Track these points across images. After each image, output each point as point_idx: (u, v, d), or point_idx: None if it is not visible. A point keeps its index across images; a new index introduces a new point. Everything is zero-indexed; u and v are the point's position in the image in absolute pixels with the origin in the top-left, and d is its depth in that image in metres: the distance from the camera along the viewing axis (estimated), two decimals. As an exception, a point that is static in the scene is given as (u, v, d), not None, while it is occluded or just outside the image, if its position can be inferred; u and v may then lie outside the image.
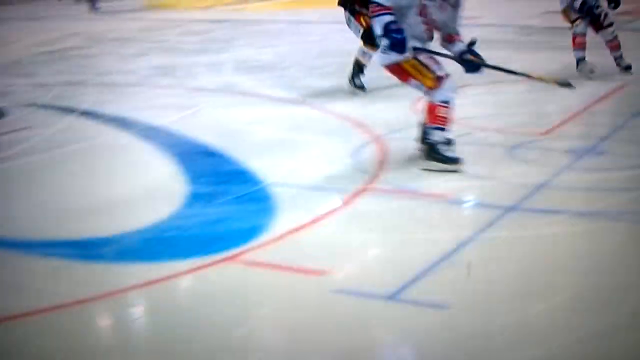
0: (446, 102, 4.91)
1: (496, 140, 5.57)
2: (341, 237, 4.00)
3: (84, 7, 17.28)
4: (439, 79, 4.85)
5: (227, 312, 3.24)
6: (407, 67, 4.91)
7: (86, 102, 7.45)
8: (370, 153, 5.34)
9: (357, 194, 4.55)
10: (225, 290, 3.44)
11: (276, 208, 4.39)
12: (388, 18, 4.68)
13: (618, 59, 7.61)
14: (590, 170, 4.85)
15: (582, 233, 3.94)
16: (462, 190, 4.63)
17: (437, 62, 4.95)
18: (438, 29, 5.04)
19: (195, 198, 4.61)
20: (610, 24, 7.53)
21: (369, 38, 6.81)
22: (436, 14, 4.94)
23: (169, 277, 3.53)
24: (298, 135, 5.96)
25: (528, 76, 5.43)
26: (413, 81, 4.95)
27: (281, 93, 7.53)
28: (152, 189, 4.84)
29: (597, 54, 7.82)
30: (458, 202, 4.49)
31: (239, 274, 3.59)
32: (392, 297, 3.25)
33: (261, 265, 3.64)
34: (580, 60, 7.68)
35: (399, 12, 4.74)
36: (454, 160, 4.88)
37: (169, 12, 16.27)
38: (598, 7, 7.50)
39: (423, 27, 4.91)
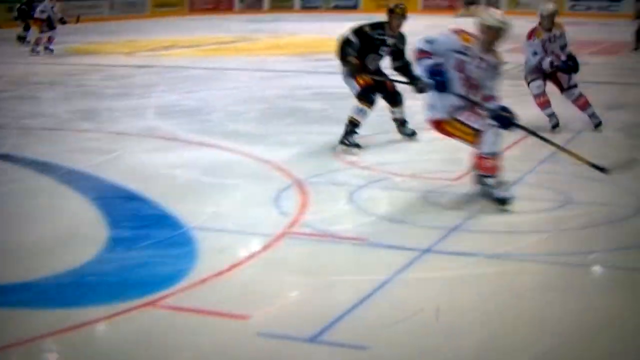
0: (491, 153, 5.01)
1: (411, 186, 5.72)
2: (262, 280, 4.00)
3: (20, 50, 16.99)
4: (479, 133, 4.99)
5: (146, 358, 3.17)
6: (447, 127, 5.18)
7: (5, 145, 7.25)
8: (291, 197, 5.38)
9: (277, 238, 4.57)
10: (145, 335, 3.38)
11: (197, 252, 4.35)
12: (430, 61, 5.01)
13: (591, 117, 7.72)
14: (500, 214, 5.01)
15: (493, 274, 4.07)
16: (379, 233, 4.70)
17: (477, 116, 5.06)
18: (476, 86, 5.13)
19: (115, 243, 4.53)
20: (575, 85, 7.72)
21: (366, 96, 6.85)
22: (474, 72, 5.07)
23: (86, 323, 3.44)
24: (220, 180, 5.96)
25: (563, 149, 5.35)
26: (456, 139, 5.20)
27: (203, 138, 7.52)
28: (71, 233, 4.72)
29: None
30: (375, 245, 4.55)
31: (160, 319, 3.53)
32: (314, 339, 3.27)
33: (182, 310, 3.60)
34: (551, 116, 7.76)
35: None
36: (504, 201, 4.99)
37: (91, 56, 16.06)
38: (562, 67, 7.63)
39: (460, 82, 5.06)
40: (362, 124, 6.87)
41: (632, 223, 4.87)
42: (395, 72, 7.30)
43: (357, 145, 6.82)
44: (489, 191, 5.06)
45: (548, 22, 7.77)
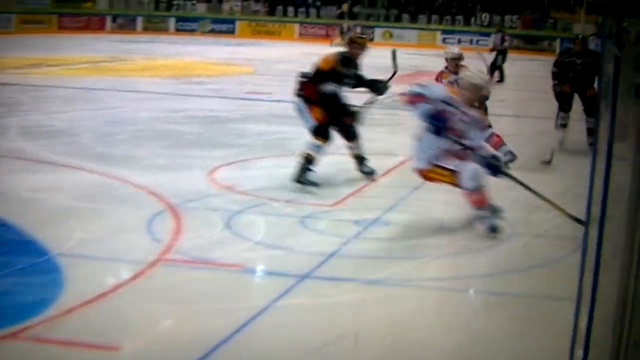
0: (473, 188, 5.13)
1: (288, 211, 5.73)
2: (133, 310, 3.84)
3: None
4: (455, 173, 5.16)
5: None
6: (430, 174, 5.36)
7: None
8: (164, 222, 5.24)
9: (150, 265, 4.42)
10: (4, 370, 3.16)
11: (63, 280, 4.13)
12: (428, 106, 5.19)
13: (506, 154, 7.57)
14: (376, 240, 5.11)
15: (372, 300, 4.11)
16: (256, 260, 4.67)
17: (453, 158, 5.22)
18: (459, 137, 5.24)
19: (-27, 271, 4.22)
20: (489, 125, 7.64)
21: (321, 131, 6.53)
22: (457, 124, 5.25)
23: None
24: (89, 204, 5.71)
25: (548, 201, 5.28)
26: (440, 183, 5.36)
27: (70, 160, 7.21)
28: None
29: (378, 131, 8.36)
30: (252, 272, 4.51)
31: (22, 352, 3.31)
32: (187, 370, 3.16)
33: (47, 341, 3.39)
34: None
35: None
36: (495, 229, 5.14)
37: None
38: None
39: (447, 131, 5.22)
40: (317, 161, 6.53)
41: (506, 248, 5.07)
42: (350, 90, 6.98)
43: (314, 184, 6.41)
44: (485, 222, 5.19)
45: (452, 65, 7.94)
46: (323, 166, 7.20)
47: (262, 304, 3.89)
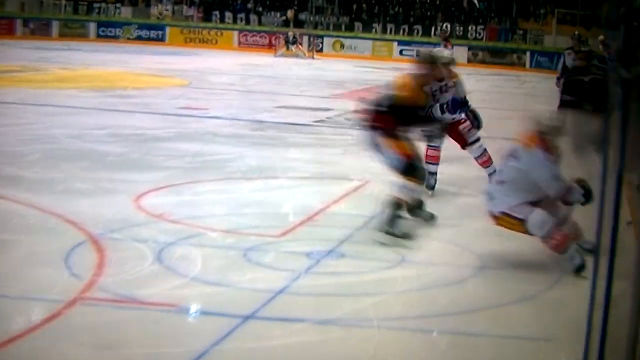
0: (546, 235, 5.21)
1: (228, 243, 5.69)
2: (49, 355, 3.75)
3: None
4: (524, 222, 5.26)
5: None
6: (500, 222, 5.42)
7: None
8: (85, 255, 5.15)
9: (68, 304, 4.32)
10: None
11: (-36, 323, 4.01)
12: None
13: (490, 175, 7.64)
14: (330, 275, 5.10)
15: (321, 342, 4.09)
16: (192, 298, 4.61)
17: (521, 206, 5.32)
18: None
19: None
20: (477, 139, 7.70)
21: (412, 169, 6.01)
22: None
23: None
24: (-5, 235, 5.59)
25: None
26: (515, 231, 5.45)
27: (-26, 183, 7.05)
28: None
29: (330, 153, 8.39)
30: (188, 312, 4.45)
31: None
32: None
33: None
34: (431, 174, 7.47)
35: None
36: (581, 268, 5.17)
37: None
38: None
39: None
40: (410, 205, 6.12)
41: (470, 284, 5.11)
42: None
43: (408, 236, 5.89)
44: (572, 262, 5.23)
45: (445, 72, 7.66)
46: (268, 190, 7.23)
47: (199, 348, 3.83)
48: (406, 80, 6.23)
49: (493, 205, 5.42)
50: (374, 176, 7.96)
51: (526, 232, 5.32)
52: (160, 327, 4.19)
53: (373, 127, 6.10)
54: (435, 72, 6.53)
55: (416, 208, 6.28)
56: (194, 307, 4.54)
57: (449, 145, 7.75)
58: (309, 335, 4.16)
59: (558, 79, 12.65)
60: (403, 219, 5.99)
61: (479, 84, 18.69)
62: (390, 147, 6.01)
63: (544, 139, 5.33)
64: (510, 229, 5.42)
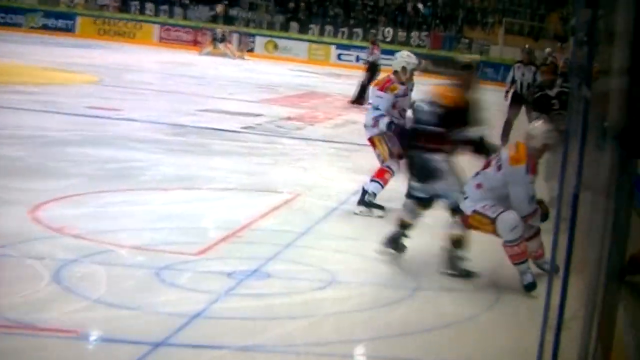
0: (513, 240, 5.52)
1: (139, 261, 5.62)
2: None
3: None
4: (495, 222, 5.59)
5: None
6: (471, 221, 5.71)
7: None
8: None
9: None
10: None
11: None
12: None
13: None
14: (254, 297, 5.09)
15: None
16: (97, 322, 4.53)
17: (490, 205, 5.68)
18: None
19: None
20: None
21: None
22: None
23: None
24: None
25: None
26: (482, 232, 5.73)
27: None
28: None
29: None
30: (91, 339, 4.37)
31: None
32: None
33: None
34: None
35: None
36: (531, 286, 5.50)
37: None
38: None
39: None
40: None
41: (403, 307, 5.19)
42: None
43: (470, 274, 5.81)
44: (524, 278, 5.53)
45: (407, 76, 7.90)
46: (186, 203, 7.17)
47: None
48: (448, 91, 6.17)
49: (466, 204, 5.71)
50: (306, 189, 8.03)
51: (494, 232, 5.60)
52: (58, 356, 4.12)
53: (428, 150, 5.95)
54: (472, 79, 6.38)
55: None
56: (96, 334, 4.44)
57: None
58: (228, 364, 4.13)
59: (507, 92, 13.10)
60: (463, 256, 5.86)
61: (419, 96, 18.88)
62: (454, 176, 6.00)
63: (533, 155, 5.61)
64: (479, 228, 5.69)
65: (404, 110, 7.59)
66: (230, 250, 6.05)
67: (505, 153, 5.68)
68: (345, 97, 18.20)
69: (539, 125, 5.85)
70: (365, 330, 4.76)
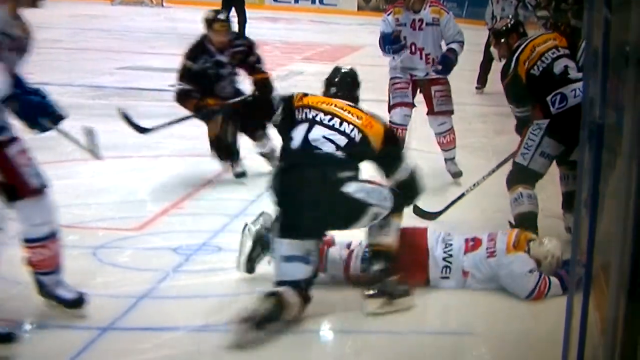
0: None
1: (72, 240, 5.52)
2: None
3: None
4: None
5: None
6: None
7: None
8: None
9: None
10: None
11: None
12: None
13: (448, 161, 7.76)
14: (206, 272, 5.24)
15: (201, 354, 4.23)
16: (34, 309, 4.60)
17: None
18: None
19: None
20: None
21: None
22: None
23: None
24: None
25: None
26: None
27: None
28: None
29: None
30: (29, 327, 4.45)
31: None
32: None
33: None
34: None
35: None
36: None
37: None
38: None
39: None
40: None
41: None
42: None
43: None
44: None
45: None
46: (119, 174, 7.22)
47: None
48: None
49: None
50: (248, 151, 8.00)
51: None
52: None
53: None
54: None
55: None
56: (34, 322, 4.52)
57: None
58: (183, 345, 4.29)
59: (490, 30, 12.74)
60: None
61: (372, 37, 18.98)
62: None
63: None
64: None
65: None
66: (172, 224, 6.17)
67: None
68: (285, 44, 18.22)
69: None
70: (329, 303, 4.82)
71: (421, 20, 7.45)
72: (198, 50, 7.38)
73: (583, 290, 3.19)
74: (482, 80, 12.63)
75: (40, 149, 7.99)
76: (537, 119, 5.84)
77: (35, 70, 13.27)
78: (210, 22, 7.37)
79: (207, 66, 7.33)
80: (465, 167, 7.55)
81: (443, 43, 7.57)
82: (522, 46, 5.97)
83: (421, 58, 7.49)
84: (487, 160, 6.51)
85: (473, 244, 5.18)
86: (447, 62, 7.41)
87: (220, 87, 7.36)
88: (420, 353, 4.41)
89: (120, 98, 11.14)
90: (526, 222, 5.76)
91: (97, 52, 16.12)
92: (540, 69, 5.89)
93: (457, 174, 7.62)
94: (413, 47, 7.49)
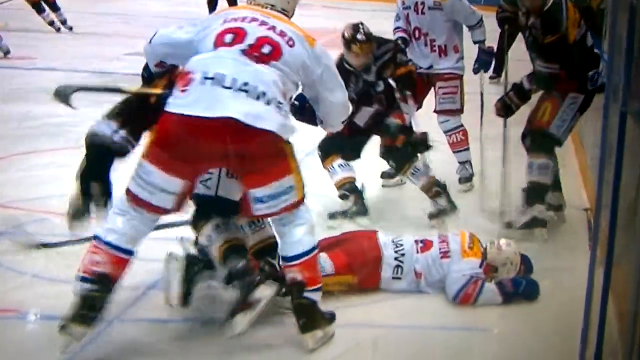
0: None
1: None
2: None
3: None
4: None
5: None
6: None
7: None
8: None
9: None
10: None
11: None
12: None
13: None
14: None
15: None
16: (39, 299, 4.70)
17: None
18: None
19: None
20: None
21: None
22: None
23: None
24: None
25: None
26: None
27: None
28: None
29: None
30: (34, 317, 4.59)
31: None
32: None
33: None
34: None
35: None
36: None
37: None
38: None
39: None
40: None
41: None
42: None
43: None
44: None
45: None
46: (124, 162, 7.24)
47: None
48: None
49: None
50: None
51: None
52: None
53: None
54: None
55: None
56: (39, 312, 4.61)
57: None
58: (191, 335, 4.37)
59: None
60: None
61: (387, 24, 18.93)
62: None
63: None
64: None
65: None
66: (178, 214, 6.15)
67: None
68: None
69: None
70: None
71: (423, 4, 7.24)
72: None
73: (602, 286, 3.23)
74: (497, 70, 12.55)
75: (43, 135, 8.15)
76: (570, 90, 5.93)
77: (39, 55, 13.44)
78: (348, 43, 6.46)
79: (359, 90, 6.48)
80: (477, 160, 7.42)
81: (465, 30, 7.40)
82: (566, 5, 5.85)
83: (426, 45, 7.31)
84: (500, 152, 6.45)
85: (423, 245, 5.18)
86: (481, 63, 7.27)
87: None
88: (436, 348, 4.49)
89: (127, 85, 11.06)
90: (538, 191, 6.03)
91: (105, 37, 16.07)
92: (589, 43, 5.98)
93: (465, 179, 7.41)
94: (417, 32, 7.33)
